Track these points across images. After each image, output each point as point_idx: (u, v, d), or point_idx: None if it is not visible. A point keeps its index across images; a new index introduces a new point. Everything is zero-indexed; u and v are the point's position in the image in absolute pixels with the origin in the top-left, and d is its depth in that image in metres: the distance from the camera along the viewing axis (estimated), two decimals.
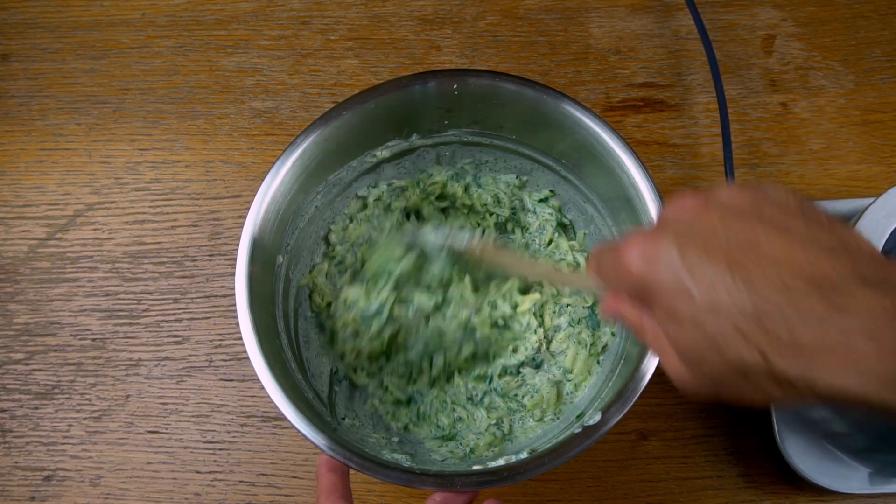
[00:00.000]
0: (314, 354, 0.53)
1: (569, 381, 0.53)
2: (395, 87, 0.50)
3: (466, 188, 0.57)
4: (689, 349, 0.31)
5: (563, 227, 0.58)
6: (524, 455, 0.49)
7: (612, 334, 0.54)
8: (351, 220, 0.56)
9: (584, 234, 0.56)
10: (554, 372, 0.53)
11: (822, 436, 0.53)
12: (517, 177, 0.57)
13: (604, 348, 0.54)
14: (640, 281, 0.32)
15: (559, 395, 0.53)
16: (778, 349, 0.27)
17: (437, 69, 0.62)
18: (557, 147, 0.53)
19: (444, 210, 0.58)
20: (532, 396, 0.53)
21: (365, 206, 0.56)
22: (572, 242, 0.57)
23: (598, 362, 0.53)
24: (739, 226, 0.30)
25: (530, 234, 0.58)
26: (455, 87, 0.50)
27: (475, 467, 0.50)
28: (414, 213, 0.57)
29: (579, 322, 0.55)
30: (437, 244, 0.51)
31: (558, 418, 0.52)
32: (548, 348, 0.54)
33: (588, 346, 0.54)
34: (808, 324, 0.27)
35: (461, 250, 0.51)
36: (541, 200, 0.58)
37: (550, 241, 0.57)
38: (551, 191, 0.57)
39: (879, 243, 0.46)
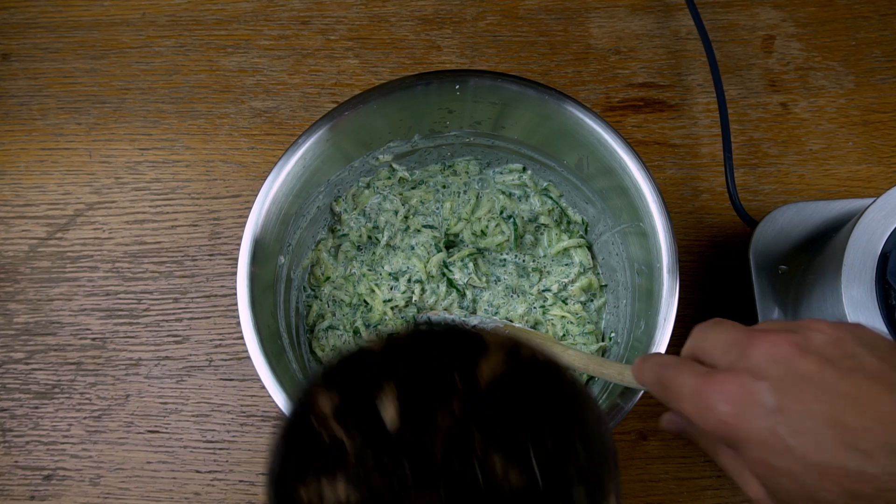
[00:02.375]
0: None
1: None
2: (396, 87, 0.50)
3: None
4: (781, 493, 0.29)
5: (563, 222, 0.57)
6: None
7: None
8: (367, 187, 0.55)
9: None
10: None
11: None
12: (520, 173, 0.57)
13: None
14: (727, 429, 0.30)
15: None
16: None
17: (438, 69, 0.62)
18: (559, 147, 0.53)
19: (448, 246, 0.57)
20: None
21: (389, 178, 0.56)
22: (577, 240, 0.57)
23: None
24: (841, 378, 0.28)
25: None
26: (457, 87, 0.50)
27: None
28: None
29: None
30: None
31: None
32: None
33: None
34: None
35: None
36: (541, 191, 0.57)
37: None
38: (550, 181, 0.57)
39: (879, 243, 0.46)
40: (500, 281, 0.54)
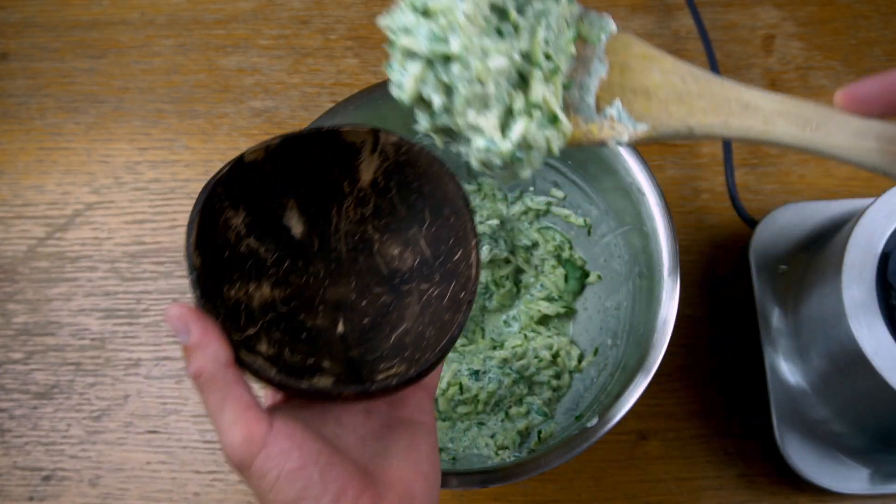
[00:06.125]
0: None
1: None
2: None
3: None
4: None
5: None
6: (524, 455, 0.49)
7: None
8: None
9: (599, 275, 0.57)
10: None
11: (822, 436, 0.53)
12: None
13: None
14: None
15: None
16: None
17: None
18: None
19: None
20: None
21: None
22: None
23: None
24: None
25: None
26: None
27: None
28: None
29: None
30: None
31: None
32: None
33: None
34: None
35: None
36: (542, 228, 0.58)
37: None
38: (555, 181, 0.56)
39: (879, 243, 0.46)
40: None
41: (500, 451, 0.52)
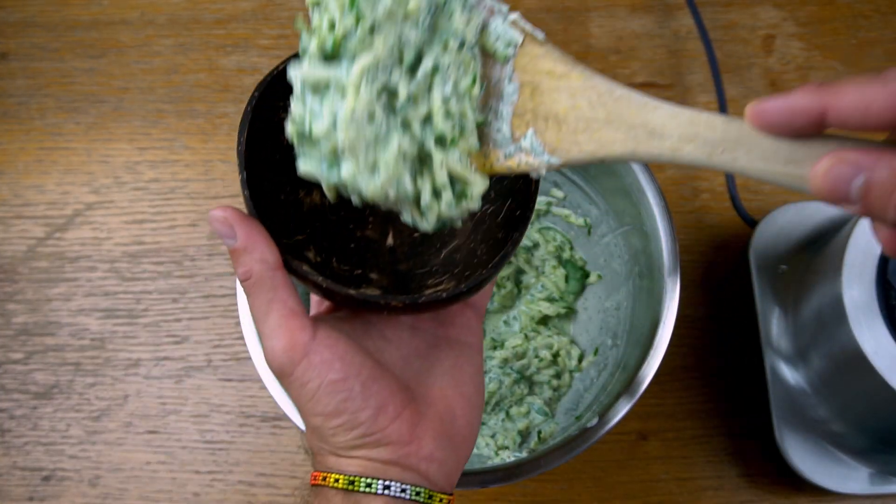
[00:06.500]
0: None
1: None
2: None
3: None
4: None
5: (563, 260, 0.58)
6: (524, 455, 0.49)
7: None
8: None
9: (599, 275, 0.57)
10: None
11: (822, 436, 0.53)
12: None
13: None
14: None
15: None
16: None
17: None
18: None
19: None
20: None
21: None
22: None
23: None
24: None
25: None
26: None
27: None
28: None
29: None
30: None
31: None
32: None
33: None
34: None
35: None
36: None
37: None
38: (555, 182, 0.56)
39: (879, 244, 0.46)
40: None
41: (500, 451, 0.52)
